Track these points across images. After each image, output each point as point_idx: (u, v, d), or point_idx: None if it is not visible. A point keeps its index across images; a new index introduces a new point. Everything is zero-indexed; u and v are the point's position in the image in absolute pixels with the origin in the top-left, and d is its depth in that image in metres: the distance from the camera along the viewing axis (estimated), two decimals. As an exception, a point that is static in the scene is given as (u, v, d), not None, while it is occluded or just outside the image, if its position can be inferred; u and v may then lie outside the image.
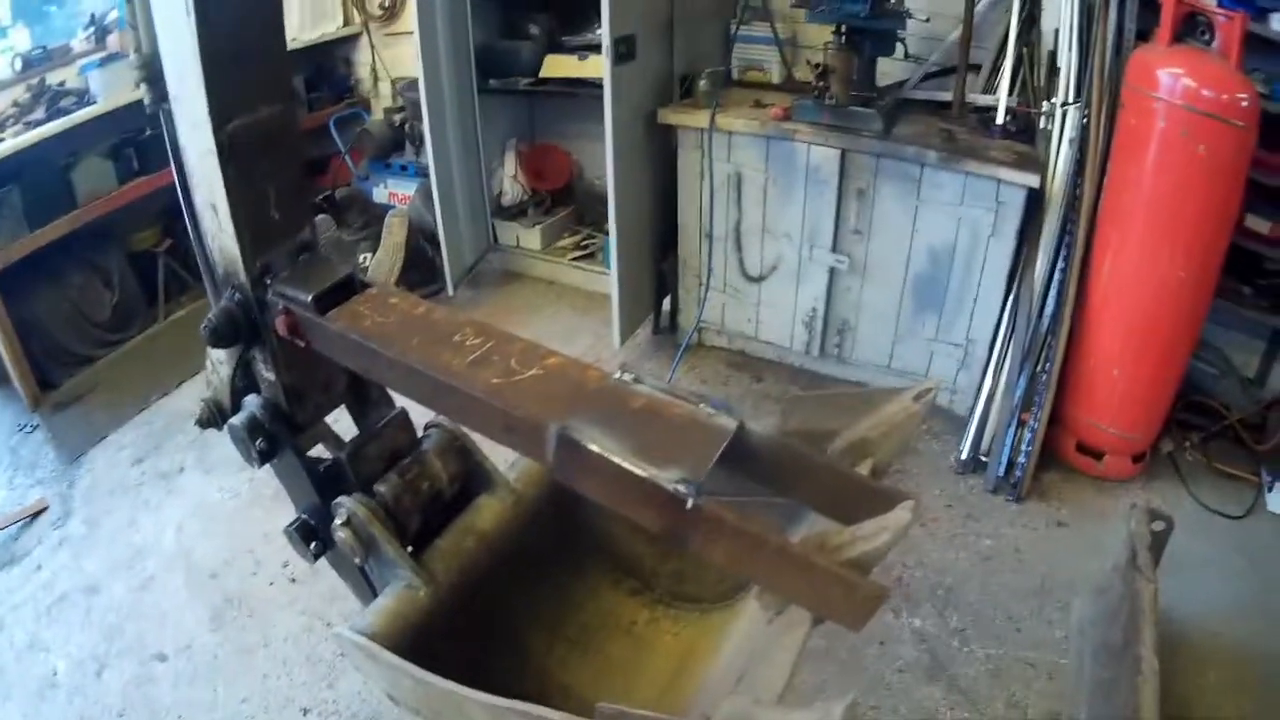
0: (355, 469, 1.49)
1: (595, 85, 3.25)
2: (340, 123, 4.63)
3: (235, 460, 1.55)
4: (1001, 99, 2.97)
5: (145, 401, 3.53)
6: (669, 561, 1.66)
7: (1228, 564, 2.60)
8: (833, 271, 3.25)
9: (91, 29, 3.97)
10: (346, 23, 4.88)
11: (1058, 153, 2.76)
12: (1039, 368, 2.84)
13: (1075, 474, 2.97)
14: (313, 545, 1.54)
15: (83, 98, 3.66)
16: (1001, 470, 2.88)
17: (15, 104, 3.59)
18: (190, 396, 3.54)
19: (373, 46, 4.93)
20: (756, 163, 3.22)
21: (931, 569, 2.58)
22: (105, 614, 2.53)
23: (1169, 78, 2.42)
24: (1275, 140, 2.76)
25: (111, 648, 2.41)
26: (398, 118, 4.70)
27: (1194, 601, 2.40)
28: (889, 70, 3.30)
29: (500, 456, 1.49)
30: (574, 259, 4.35)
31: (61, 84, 3.75)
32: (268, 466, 1.54)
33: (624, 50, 3.08)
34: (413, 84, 3.87)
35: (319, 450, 1.59)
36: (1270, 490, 2.85)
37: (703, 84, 3.32)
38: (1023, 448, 2.84)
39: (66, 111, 3.55)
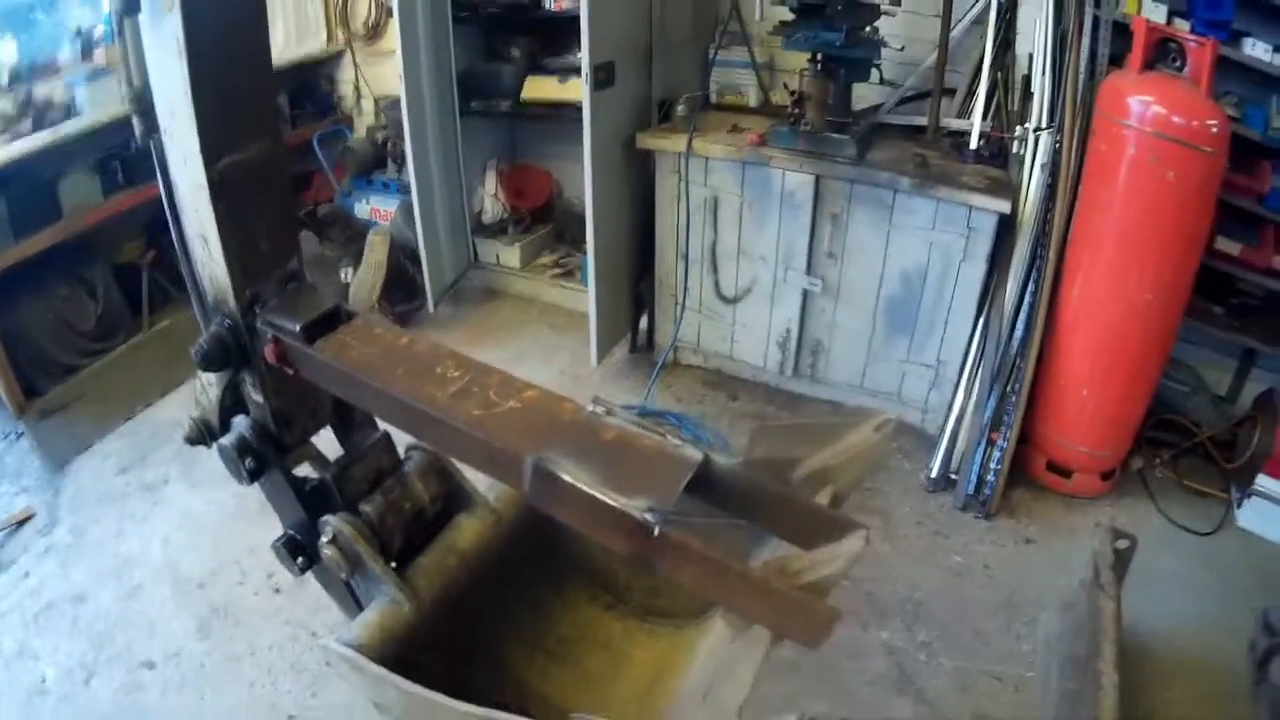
0: (341, 489, 1.55)
1: (575, 107, 3.25)
2: (323, 140, 4.63)
3: (220, 473, 1.59)
4: (975, 124, 3.03)
5: (130, 411, 3.55)
6: (643, 578, 1.72)
7: (1195, 579, 2.64)
8: (806, 294, 3.29)
9: (79, 40, 3.99)
10: (330, 41, 4.90)
11: (1030, 177, 2.82)
12: (1009, 388, 2.89)
13: (1045, 491, 3.01)
14: (299, 560, 1.60)
15: (68, 111, 3.67)
16: (971, 488, 2.92)
17: (2, 116, 3.61)
18: (174, 406, 3.57)
19: (356, 65, 4.96)
20: (733, 187, 3.26)
21: (901, 584, 2.62)
22: (93, 622, 2.55)
23: (1139, 104, 2.46)
24: (1248, 163, 2.84)
25: (100, 655, 2.43)
26: (380, 135, 4.73)
27: (1161, 616, 2.45)
28: (865, 94, 3.35)
29: (480, 477, 1.52)
30: (553, 276, 4.37)
31: (48, 98, 3.77)
32: (253, 482, 1.59)
33: (603, 77, 3.12)
34: (396, 102, 3.87)
35: (305, 469, 1.65)
36: (1239, 506, 2.89)
37: (680, 109, 3.36)
38: (992, 466, 2.89)
39: (53, 124, 3.57)
